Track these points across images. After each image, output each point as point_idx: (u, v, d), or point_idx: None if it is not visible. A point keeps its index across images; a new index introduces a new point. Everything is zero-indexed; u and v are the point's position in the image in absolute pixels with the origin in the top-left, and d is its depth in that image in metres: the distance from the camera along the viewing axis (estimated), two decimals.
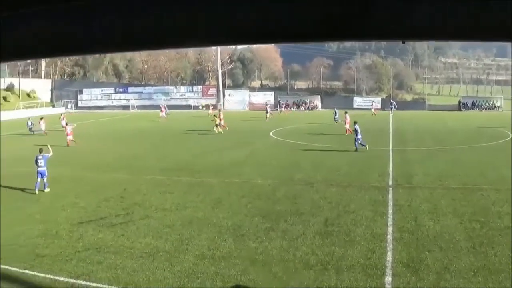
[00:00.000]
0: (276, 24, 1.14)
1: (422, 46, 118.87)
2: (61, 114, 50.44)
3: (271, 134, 39.83)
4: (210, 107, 64.38)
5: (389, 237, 13.33)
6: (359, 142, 28.96)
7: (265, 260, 11.96)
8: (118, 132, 45.53)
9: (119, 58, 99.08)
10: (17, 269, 11.63)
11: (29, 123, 45.33)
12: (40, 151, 20.32)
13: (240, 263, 11.77)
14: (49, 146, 21.14)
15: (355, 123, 30.05)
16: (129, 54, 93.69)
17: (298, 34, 1.12)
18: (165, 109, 61.07)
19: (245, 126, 48.92)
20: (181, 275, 11.14)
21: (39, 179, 19.65)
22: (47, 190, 19.57)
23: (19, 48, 1.48)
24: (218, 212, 16.25)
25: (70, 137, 34.92)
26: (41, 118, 45.37)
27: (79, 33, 1.34)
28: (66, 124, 36.22)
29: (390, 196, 17.99)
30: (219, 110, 49.73)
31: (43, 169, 19.70)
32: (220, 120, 42.69)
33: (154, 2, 1.22)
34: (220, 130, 40.83)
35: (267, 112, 56.70)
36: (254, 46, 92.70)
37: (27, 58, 1.41)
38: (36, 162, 19.83)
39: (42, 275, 11.34)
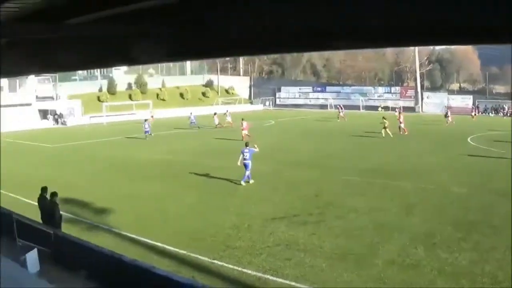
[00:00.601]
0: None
1: None
2: (227, 110, 53.67)
3: (468, 140, 37.04)
4: (397, 110, 61.32)
5: None
6: None
7: (453, 271, 11.30)
8: (310, 130, 46.25)
9: (317, 57, 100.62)
10: (206, 259, 12.30)
11: (192, 117, 48.88)
12: (246, 145, 21.80)
13: (428, 273, 11.25)
14: (255, 145, 22.12)
15: None
16: (326, 53, 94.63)
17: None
18: (342, 109, 60.88)
19: (439, 130, 46.77)
20: (367, 280, 10.93)
21: (246, 172, 20.87)
22: (243, 183, 20.57)
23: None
24: (411, 218, 15.68)
25: (245, 132, 37.04)
26: (214, 114, 49.80)
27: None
28: (242, 120, 38.23)
29: None
30: (399, 112, 47.38)
31: (247, 161, 20.92)
32: (400, 123, 41.23)
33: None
34: (388, 133, 38.43)
35: (447, 116, 53.18)
36: (453, 46, 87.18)
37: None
38: (242, 154, 21.10)
39: (230, 266, 11.85)
